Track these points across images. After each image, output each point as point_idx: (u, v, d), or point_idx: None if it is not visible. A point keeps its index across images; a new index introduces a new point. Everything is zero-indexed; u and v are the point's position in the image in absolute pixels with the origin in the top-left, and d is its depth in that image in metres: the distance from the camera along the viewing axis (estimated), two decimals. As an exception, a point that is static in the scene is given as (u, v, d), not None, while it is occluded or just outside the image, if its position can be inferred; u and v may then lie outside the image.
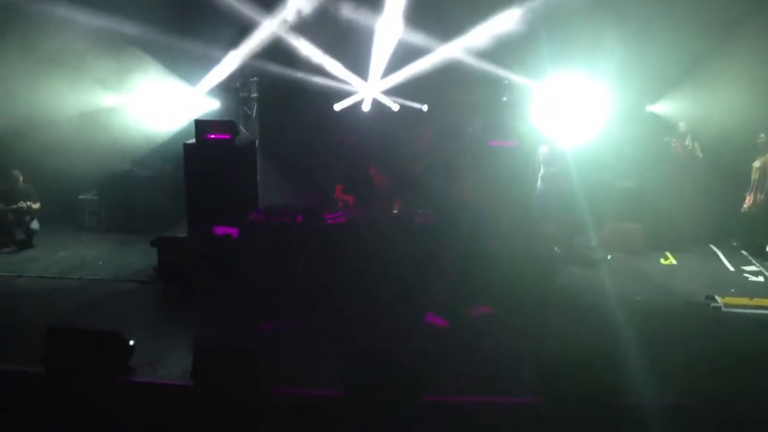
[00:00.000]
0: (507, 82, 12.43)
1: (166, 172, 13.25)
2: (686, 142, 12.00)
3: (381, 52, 12.37)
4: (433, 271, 9.30)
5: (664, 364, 7.22)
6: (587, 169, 11.65)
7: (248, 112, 13.25)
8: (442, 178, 11.51)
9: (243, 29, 12.25)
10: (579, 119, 12.14)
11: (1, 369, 7.23)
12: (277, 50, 12.26)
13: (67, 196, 13.19)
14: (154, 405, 6.83)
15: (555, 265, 10.63)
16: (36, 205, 12.14)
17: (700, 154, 11.99)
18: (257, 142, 12.80)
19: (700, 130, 12.03)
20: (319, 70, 12.47)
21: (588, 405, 6.22)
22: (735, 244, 11.99)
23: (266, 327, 8.75)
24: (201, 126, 10.89)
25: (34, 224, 12.18)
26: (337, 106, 13.06)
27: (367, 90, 12.91)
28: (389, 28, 12.04)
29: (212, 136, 10.81)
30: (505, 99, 12.53)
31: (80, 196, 13.43)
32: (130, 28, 11.89)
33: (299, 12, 12.03)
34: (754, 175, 11.52)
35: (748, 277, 10.69)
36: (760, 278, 10.61)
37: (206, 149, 10.81)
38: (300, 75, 12.40)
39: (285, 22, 12.08)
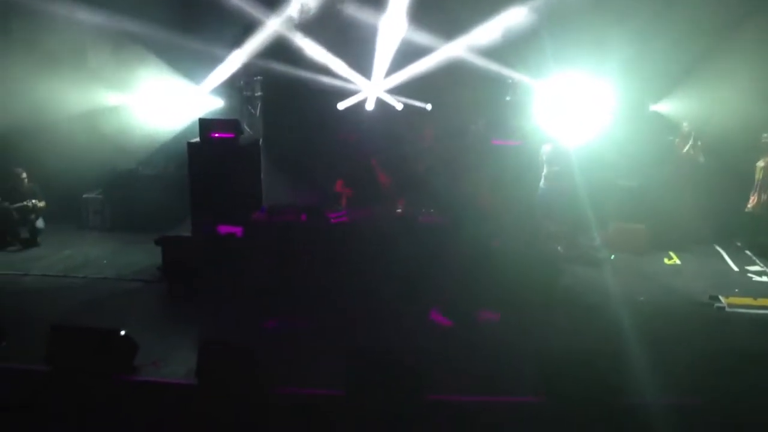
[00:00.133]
0: (510, 81, 12.45)
1: (170, 171, 13.28)
2: (690, 144, 11.98)
3: (384, 50, 12.39)
4: (436, 270, 9.30)
5: (667, 364, 7.21)
6: (590, 168, 11.64)
7: (252, 111, 13.27)
8: (446, 177, 11.51)
9: (247, 28, 12.29)
10: (582, 118, 12.15)
11: (6, 367, 7.24)
12: (280, 49, 12.29)
13: (71, 194, 13.21)
14: (158, 404, 6.84)
15: (558, 264, 10.59)
16: (41, 204, 12.17)
17: (702, 159, 11.97)
18: (261, 141, 12.80)
19: (703, 130, 12.02)
20: (323, 69, 12.49)
21: (591, 405, 6.21)
22: (739, 244, 11.98)
23: (270, 326, 8.78)
24: (205, 125, 10.91)
25: (39, 223, 12.22)
26: (341, 105, 13.07)
27: (370, 89, 12.92)
28: (393, 26, 12.06)
29: (216, 135, 10.83)
30: (508, 98, 12.55)
31: (84, 195, 13.46)
32: (133, 26, 11.94)
33: (303, 10, 12.05)
34: (758, 175, 11.51)
35: (752, 277, 10.67)
36: (764, 278, 10.60)
37: (210, 148, 10.83)
38: (304, 74, 12.42)
39: (289, 20, 12.10)
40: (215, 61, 12.63)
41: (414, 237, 9.53)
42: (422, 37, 12.02)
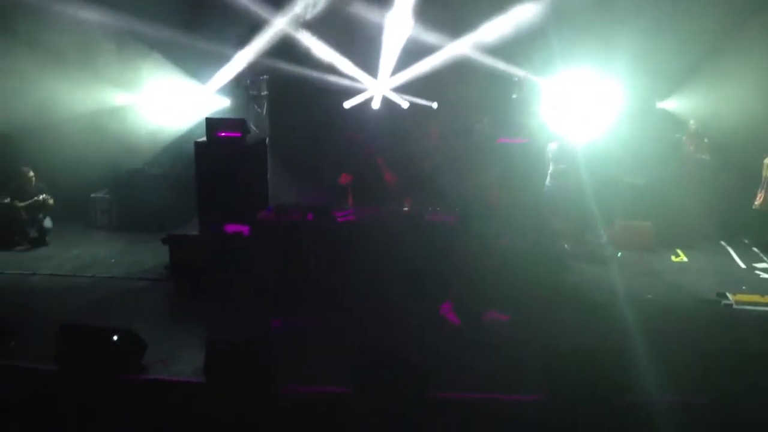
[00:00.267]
0: (517, 79, 12.43)
1: (177, 171, 13.32)
2: (703, 142, 11.97)
3: (390, 49, 12.39)
4: (442, 268, 9.30)
5: (674, 362, 7.20)
6: (597, 165, 11.61)
7: (258, 110, 13.29)
8: (452, 175, 11.51)
9: (253, 27, 12.30)
10: (589, 116, 12.12)
11: (15, 366, 7.29)
12: (287, 48, 12.30)
13: (78, 194, 13.23)
14: (166, 402, 6.87)
15: (565, 261, 10.61)
16: (51, 200, 12.23)
17: (707, 156, 11.95)
18: (267, 140, 12.82)
19: (710, 127, 11.99)
20: (329, 68, 12.49)
21: (597, 402, 6.22)
22: (746, 241, 11.96)
23: (277, 324, 8.80)
24: (212, 124, 10.93)
25: (47, 222, 12.27)
26: (347, 104, 13.08)
27: (376, 87, 12.93)
28: (399, 25, 12.06)
29: (223, 134, 10.85)
30: (514, 96, 12.52)
31: (92, 195, 13.51)
32: (139, 25, 11.96)
33: (309, 9, 12.07)
34: (765, 172, 11.45)
35: (759, 275, 10.65)
36: (772, 275, 10.60)
37: (217, 147, 10.84)
38: (310, 73, 12.42)
39: (295, 19, 12.11)
40: (221, 60, 12.65)
41: (420, 235, 9.53)
42: (428, 36, 12.02)
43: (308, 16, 12.21)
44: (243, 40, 12.45)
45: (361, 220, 9.97)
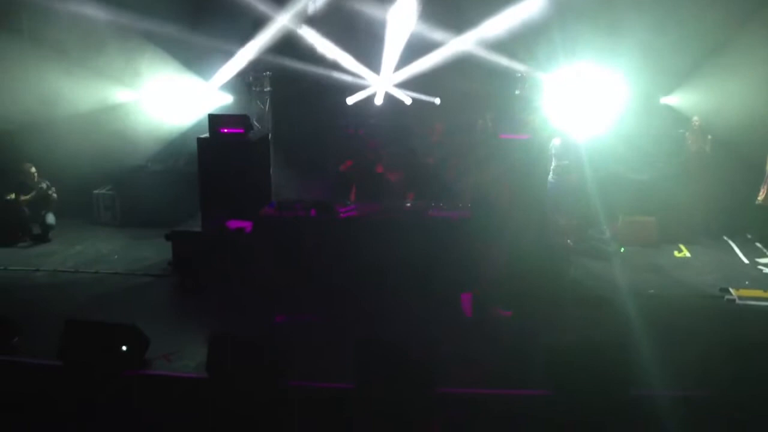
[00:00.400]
0: (519, 74, 12.42)
1: (179, 167, 13.33)
2: (706, 138, 11.96)
3: (393, 45, 12.39)
4: (446, 263, 9.29)
5: (677, 357, 7.19)
6: (600, 161, 11.62)
7: (261, 106, 13.30)
8: (455, 171, 11.51)
9: (256, 23, 12.30)
10: (592, 111, 12.12)
11: (19, 361, 7.31)
12: (289, 44, 12.30)
13: (81, 190, 13.29)
14: (169, 397, 6.88)
15: (568, 257, 10.60)
16: (54, 194, 12.24)
17: (708, 148, 11.95)
18: (270, 136, 12.83)
19: (713, 122, 11.98)
20: (332, 64, 12.50)
21: (600, 397, 6.22)
22: (749, 236, 11.95)
23: (280, 319, 8.81)
24: (214, 120, 10.92)
25: (50, 219, 12.29)
26: (350, 100, 13.09)
27: (379, 83, 12.94)
28: (401, 21, 12.06)
29: (225, 130, 10.84)
30: (517, 92, 12.52)
31: (95, 191, 13.54)
32: (143, 22, 11.96)
33: (312, 5, 12.07)
34: (769, 167, 11.46)
35: (762, 270, 10.65)
36: (775, 270, 10.58)
37: (220, 144, 10.85)
38: (313, 69, 12.43)
39: (298, 15, 12.11)
40: (224, 56, 12.67)
41: (424, 230, 9.52)
42: (431, 32, 12.02)
43: (311, 13, 12.21)
44: (246, 37, 12.45)
45: (364, 216, 9.97)
